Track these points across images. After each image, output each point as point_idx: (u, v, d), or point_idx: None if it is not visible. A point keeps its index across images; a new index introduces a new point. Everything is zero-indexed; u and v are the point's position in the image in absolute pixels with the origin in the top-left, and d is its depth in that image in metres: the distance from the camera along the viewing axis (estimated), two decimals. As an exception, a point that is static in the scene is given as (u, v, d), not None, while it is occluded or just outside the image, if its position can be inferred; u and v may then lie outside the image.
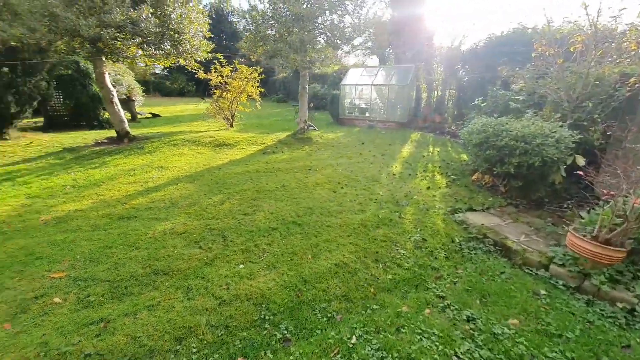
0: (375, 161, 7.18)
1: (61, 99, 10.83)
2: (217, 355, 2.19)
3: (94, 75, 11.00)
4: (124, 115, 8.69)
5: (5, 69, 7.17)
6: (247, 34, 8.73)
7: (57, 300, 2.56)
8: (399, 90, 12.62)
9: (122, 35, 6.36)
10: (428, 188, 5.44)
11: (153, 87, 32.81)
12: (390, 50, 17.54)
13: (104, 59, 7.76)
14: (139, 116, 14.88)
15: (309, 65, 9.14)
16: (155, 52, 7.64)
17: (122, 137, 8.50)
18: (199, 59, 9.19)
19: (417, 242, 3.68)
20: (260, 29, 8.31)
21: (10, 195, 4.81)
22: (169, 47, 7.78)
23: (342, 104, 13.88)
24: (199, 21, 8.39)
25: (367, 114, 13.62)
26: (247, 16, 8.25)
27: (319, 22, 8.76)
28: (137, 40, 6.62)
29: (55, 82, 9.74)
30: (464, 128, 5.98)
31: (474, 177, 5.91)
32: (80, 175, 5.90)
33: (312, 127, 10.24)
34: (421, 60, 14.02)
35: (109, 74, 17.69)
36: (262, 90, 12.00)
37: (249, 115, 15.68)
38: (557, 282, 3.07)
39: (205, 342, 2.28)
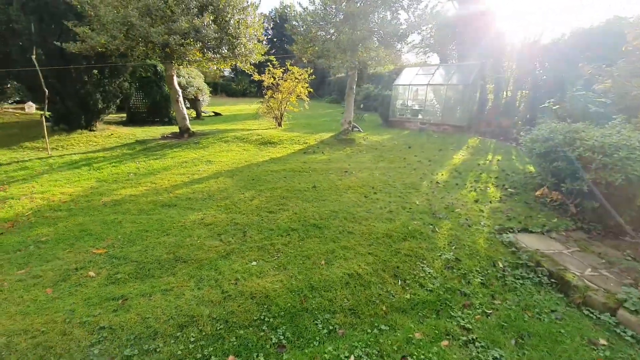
0: (419, 167, 6.65)
1: (141, 98, 12.55)
2: (212, 348, 2.21)
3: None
4: (187, 113, 9.64)
5: (95, 72, 8.57)
6: (299, 37, 8.91)
7: (91, 274, 2.89)
8: (459, 91, 11.55)
9: (186, 42, 7.06)
10: (476, 201, 4.81)
11: (220, 88, 35.96)
12: (453, 48, 16.19)
13: (173, 62, 8.74)
14: (203, 114, 16.44)
15: (356, 65, 8.94)
16: (213, 55, 8.31)
17: (183, 132, 9.46)
18: (253, 62, 9.70)
19: (448, 261, 3.25)
20: (311, 30, 8.40)
21: (85, 178, 5.71)
22: (225, 50, 8.38)
23: (393, 105, 13.29)
24: (254, 26, 8.86)
25: (419, 116, 12.81)
26: (297, 18, 8.42)
27: (371, 19, 8.48)
28: (198, 45, 7.28)
29: (136, 83, 11.33)
30: (528, 135, 5.14)
31: (538, 193, 5.03)
32: (143, 164, 6.71)
33: (357, 129, 10.01)
34: (488, 57, 12.62)
35: (182, 76, 19.79)
36: (311, 90, 12.17)
37: (298, 115, 16.09)
38: (624, 332, 2.38)
39: (204, 333, 2.32)
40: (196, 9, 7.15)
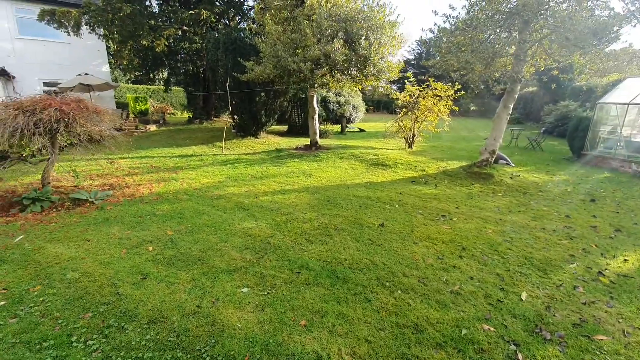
0: (586, 237, 4.12)
1: (298, 114, 15.04)
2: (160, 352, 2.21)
3: (318, 96, 14.33)
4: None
5: (262, 94, 11.00)
6: (438, 48, 7.74)
7: (150, 248, 3.65)
8: None
9: (316, 67, 7.77)
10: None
11: (383, 105, 37.47)
12: None
13: (308, 85, 9.89)
14: (347, 130, 17.64)
15: (518, 76, 6.68)
16: (341, 76, 8.65)
17: (312, 145, 10.48)
18: (387, 80, 9.36)
19: None
20: (450, 41, 7.11)
21: (222, 173, 7.40)
22: (355, 71, 8.54)
23: (594, 132, 8.99)
24: (390, 44, 8.52)
25: (643, 154, 7.99)
26: (436, 30, 7.29)
27: (547, 14, 6.10)
28: (325, 68, 7.81)
29: (296, 102, 13.71)
30: None
31: None
32: (263, 169, 7.94)
33: (505, 161, 7.42)
34: None
35: (343, 95, 21.93)
36: (456, 109, 10.26)
37: (446, 137, 14.15)
38: None
39: (168, 331, 2.37)
40: (329, 37, 7.69)
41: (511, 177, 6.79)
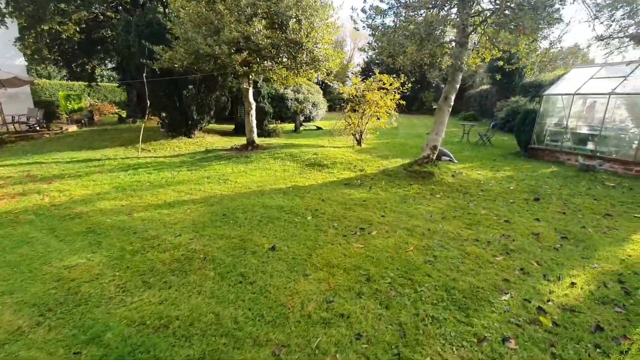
0: (527, 249, 3.28)
1: (243, 111, 13.66)
2: None
3: (264, 92, 13.10)
4: (255, 127, 9.35)
5: (191, 86, 9.55)
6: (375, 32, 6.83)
7: None
8: (686, 104, 6.05)
9: (235, 52, 6.54)
10: None
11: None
12: None
13: (243, 75, 8.66)
14: (304, 128, 16.54)
15: (459, 64, 5.92)
16: (270, 64, 7.49)
17: (248, 145, 9.23)
18: (328, 71, 8.36)
19: None
20: (383, 22, 6.22)
21: (112, 182, 5.95)
22: (286, 59, 7.42)
23: (541, 125, 8.62)
24: (325, 29, 7.51)
25: (588, 146, 7.69)
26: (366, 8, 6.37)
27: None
28: (244, 54, 6.63)
29: (243, 98, 12.38)
30: None
31: None
32: (170, 175, 6.54)
33: (448, 158, 6.69)
34: None
35: (302, 92, 20.80)
36: (403, 103, 9.53)
37: (392, 133, 13.53)
38: None
39: None
40: (249, 16, 6.49)
41: (453, 175, 6.04)
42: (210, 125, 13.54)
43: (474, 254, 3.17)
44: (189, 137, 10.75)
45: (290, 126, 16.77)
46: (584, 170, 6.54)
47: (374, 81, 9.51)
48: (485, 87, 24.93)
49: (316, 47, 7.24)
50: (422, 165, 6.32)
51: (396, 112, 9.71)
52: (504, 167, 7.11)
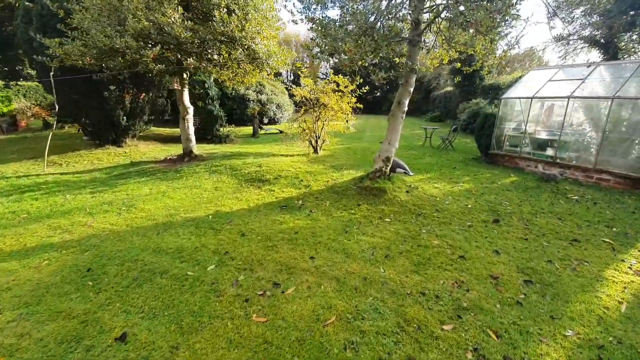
0: (483, 308, 2.49)
1: (194, 115, 12.23)
2: None
3: (212, 93, 11.82)
4: (193, 135, 8.10)
5: (113, 87, 8.11)
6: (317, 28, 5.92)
7: None
8: (643, 109, 5.78)
9: (145, 46, 5.32)
10: None
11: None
12: (633, 36, 9.13)
13: (185, 75, 7.43)
14: (263, 132, 15.38)
15: (411, 65, 5.18)
16: (196, 62, 6.29)
17: (185, 155, 7.97)
18: (272, 70, 7.35)
19: None
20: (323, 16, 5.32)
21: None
22: (217, 56, 6.30)
23: (501, 130, 8.22)
24: (268, 23, 6.48)
25: (548, 152, 7.35)
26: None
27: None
28: (158, 47, 5.43)
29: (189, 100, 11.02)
30: None
31: None
32: (58, 201, 5.19)
33: (403, 170, 5.96)
34: None
35: (266, 93, 19.49)
36: (361, 106, 8.77)
37: (357, 137, 12.85)
38: None
39: None
40: (160, 2, 5.29)
41: (408, 191, 5.28)
42: (153, 129, 12.03)
43: (415, 321, 2.33)
44: (119, 146, 9.24)
45: (245, 130, 15.59)
46: (545, 181, 6.09)
47: (328, 82, 8.65)
48: (449, 88, 25.24)
49: (253, 42, 6.19)
50: (373, 180, 5.50)
51: (353, 115, 8.93)
52: (463, 177, 6.51)
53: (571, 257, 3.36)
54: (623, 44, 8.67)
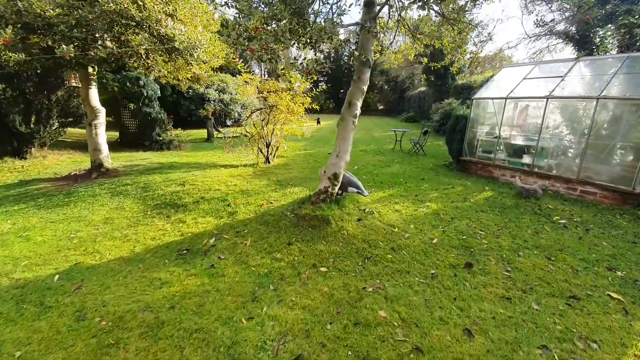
0: None
1: (127, 117, 10.50)
2: None
3: (148, 92, 10.14)
4: (104, 144, 6.49)
5: (2, 86, 6.34)
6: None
7: None
8: (634, 112, 4.94)
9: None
10: None
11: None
12: (604, 32, 8.53)
13: (92, 69, 5.84)
14: (219, 135, 13.76)
15: (368, 58, 3.96)
16: (78, 51, 4.73)
17: (93, 170, 6.35)
18: (198, 62, 5.93)
19: None
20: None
21: None
22: (110, 43, 4.80)
23: (473, 134, 7.27)
24: (183, 3, 5.06)
25: (524, 160, 6.47)
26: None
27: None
28: (11, 29, 3.91)
29: (130, 98, 9.42)
30: None
31: None
32: None
33: (357, 190, 4.73)
34: None
35: (230, 93, 17.61)
36: (317, 107, 7.54)
37: (324, 139, 11.66)
38: None
39: None
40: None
41: (359, 219, 4.08)
42: (78, 134, 10.18)
43: None
44: (23, 158, 7.42)
45: (197, 133, 13.97)
46: (525, 197, 5.12)
47: (277, 79, 7.35)
48: (423, 88, 24.69)
49: (161, 26, 4.74)
50: (316, 205, 4.24)
51: (307, 117, 7.68)
52: (431, 193, 5.43)
53: (573, 334, 2.27)
54: (598, 39, 8.04)
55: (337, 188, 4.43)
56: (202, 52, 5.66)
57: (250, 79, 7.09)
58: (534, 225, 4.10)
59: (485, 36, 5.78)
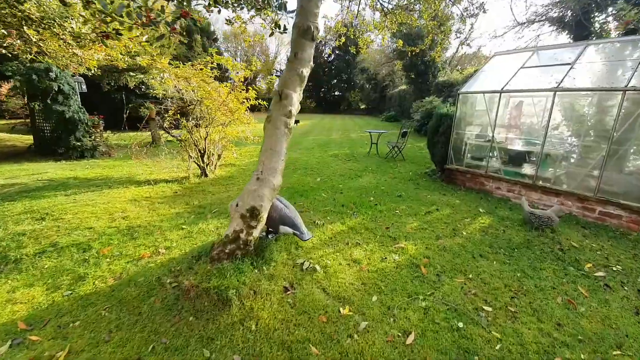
0: None
1: (43, 116, 8.38)
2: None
3: (63, 87, 8.11)
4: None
5: None
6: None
7: None
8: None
9: None
10: None
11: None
12: (605, 17, 7.36)
13: None
14: (172, 138, 11.72)
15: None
16: None
17: None
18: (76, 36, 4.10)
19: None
20: None
21: None
22: None
23: (459, 137, 5.82)
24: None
25: (524, 170, 5.07)
26: None
27: None
28: None
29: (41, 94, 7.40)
30: None
31: None
32: None
33: (292, 231, 3.06)
34: None
35: (163, 89, 15.39)
36: (264, 103, 5.86)
37: (298, 142, 9.90)
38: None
39: None
40: None
41: (287, 290, 2.44)
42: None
43: None
44: None
45: (139, 136, 11.87)
46: (536, 228, 3.66)
47: (205, 64, 5.60)
48: (403, 87, 23.51)
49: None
50: (217, 263, 2.54)
51: (250, 116, 6.01)
52: (408, 221, 3.87)
53: None
54: (598, 25, 6.85)
55: (256, 232, 2.75)
56: (77, 25, 3.84)
57: (164, 69, 5.29)
58: (562, 286, 2.61)
59: (475, 6, 4.26)
